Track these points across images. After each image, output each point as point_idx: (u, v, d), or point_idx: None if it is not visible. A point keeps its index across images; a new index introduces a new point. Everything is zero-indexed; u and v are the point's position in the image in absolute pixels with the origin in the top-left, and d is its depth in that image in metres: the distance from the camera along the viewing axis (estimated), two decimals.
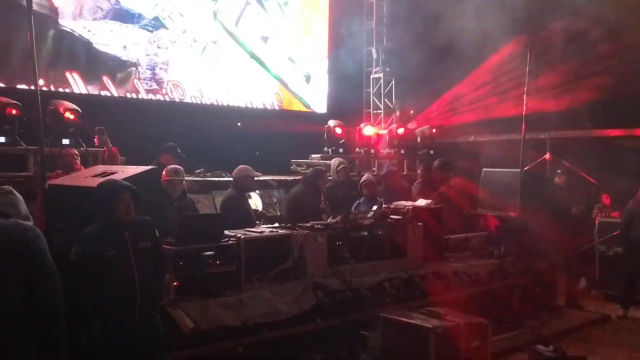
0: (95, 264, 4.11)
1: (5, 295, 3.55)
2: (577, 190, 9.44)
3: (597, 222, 9.49)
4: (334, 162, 8.78)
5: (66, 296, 3.76)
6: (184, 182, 6.50)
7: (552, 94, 10.13)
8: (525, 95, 8.31)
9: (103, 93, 10.14)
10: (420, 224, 6.78)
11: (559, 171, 9.49)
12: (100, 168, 5.76)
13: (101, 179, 4.71)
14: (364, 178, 8.39)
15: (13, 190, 3.90)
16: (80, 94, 9.73)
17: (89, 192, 4.53)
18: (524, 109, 8.31)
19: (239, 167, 7.19)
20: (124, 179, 4.51)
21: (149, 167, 5.71)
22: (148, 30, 10.76)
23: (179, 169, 6.48)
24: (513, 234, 7.94)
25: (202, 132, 10.07)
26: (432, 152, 11.83)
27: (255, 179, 7.22)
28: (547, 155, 11.10)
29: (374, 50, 13.68)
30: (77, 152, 7.53)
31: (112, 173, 5.04)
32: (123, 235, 4.21)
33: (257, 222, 7.16)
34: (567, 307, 8.40)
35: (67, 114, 8.20)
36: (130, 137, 8.78)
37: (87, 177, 5.27)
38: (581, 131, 11.06)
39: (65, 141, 8.01)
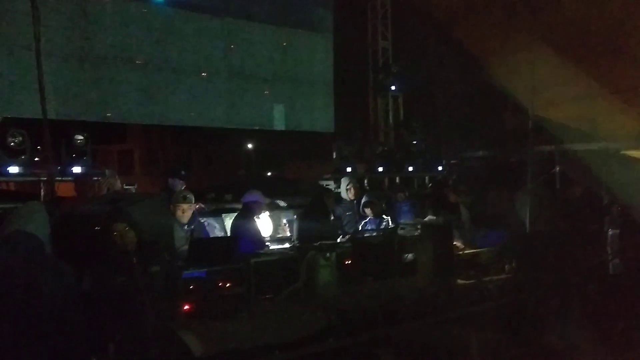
0: (106, 291, 4.15)
1: None
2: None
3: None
4: (344, 181, 8.85)
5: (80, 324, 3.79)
6: (192, 206, 6.52)
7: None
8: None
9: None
10: (429, 240, 6.78)
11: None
12: (108, 196, 5.82)
13: (103, 209, 4.74)
14: (364, 199, 8.43)
15: None
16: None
17: (91, 221, 4.58)
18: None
19: (249, 191, 7.27)
20: (127, 207, 4.55)
21: (156, 192, 5.76)
22: None
23: (187, 193, 6.51)
24: (525, 248, 7.90)
25: (211, 155, 10.12)
26: None
27: (264, 202, 7.29)
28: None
29: None
30: (89, 180, 7.56)
31: (117, 201, 5.08)
32: (131, 261, 4.25)
33: (266, 243, 7.20)
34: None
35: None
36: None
37: (93, 205, 5.33)
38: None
39: (77, 169, 8.04)
